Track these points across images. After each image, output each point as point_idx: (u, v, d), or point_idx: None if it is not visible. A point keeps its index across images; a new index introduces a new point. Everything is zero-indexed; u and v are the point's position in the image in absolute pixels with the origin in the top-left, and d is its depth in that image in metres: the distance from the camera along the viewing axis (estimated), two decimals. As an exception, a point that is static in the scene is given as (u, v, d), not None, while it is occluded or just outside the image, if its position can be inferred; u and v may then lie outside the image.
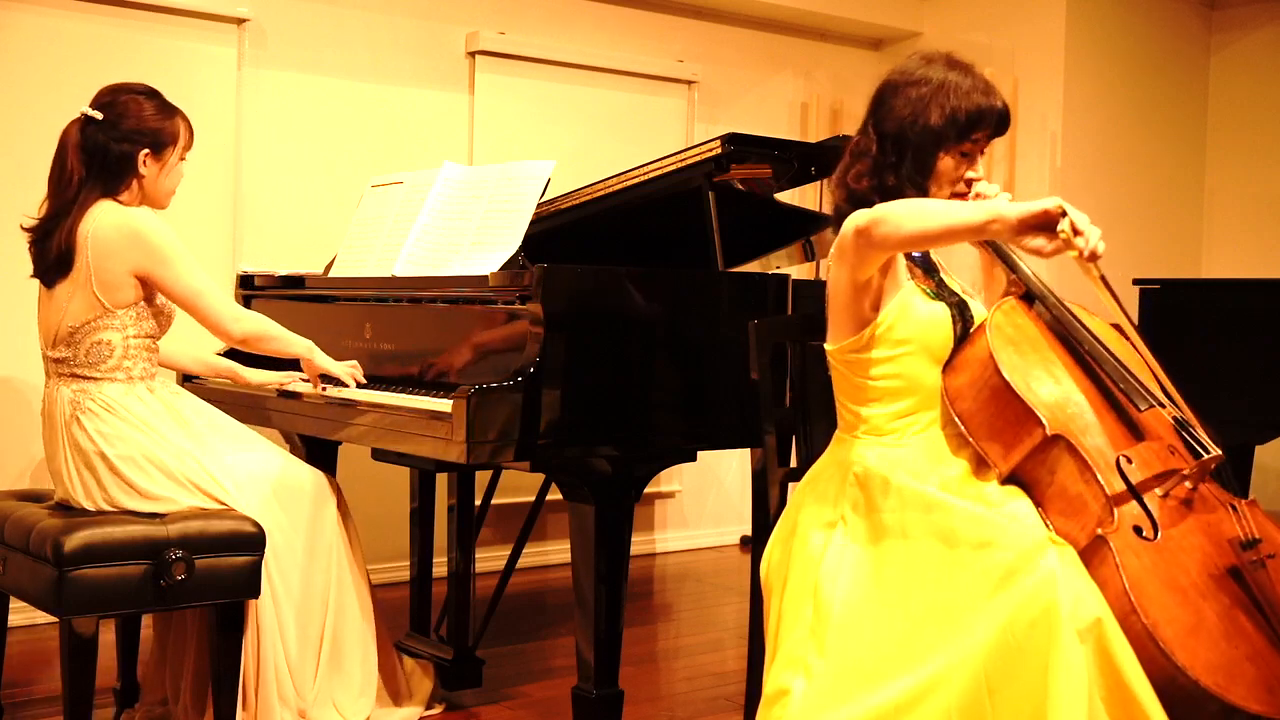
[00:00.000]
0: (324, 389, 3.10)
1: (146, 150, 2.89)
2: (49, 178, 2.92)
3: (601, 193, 3.39)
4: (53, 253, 2.84)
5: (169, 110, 2.95)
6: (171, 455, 2.84)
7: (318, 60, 4.63)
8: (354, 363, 3.15)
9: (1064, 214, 1.95)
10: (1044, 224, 1.97)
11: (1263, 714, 1.92)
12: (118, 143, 2.86)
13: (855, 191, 2.28)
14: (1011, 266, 2.38)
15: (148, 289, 2.87)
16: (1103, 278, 2.03)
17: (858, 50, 6.13)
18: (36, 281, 2.89)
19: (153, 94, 2.95)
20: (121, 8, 4.21)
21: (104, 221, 2.82)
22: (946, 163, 2.24)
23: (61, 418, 2.84)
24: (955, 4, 5.99)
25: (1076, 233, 1.94)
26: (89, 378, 2.85)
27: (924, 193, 2.25)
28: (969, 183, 2.26)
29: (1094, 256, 1.96)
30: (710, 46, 5.62)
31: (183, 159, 2.98)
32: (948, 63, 2.26)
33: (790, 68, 5.91)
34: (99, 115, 2.87)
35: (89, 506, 2.83)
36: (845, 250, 2.20)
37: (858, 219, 2.15)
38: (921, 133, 2.22)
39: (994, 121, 2.24)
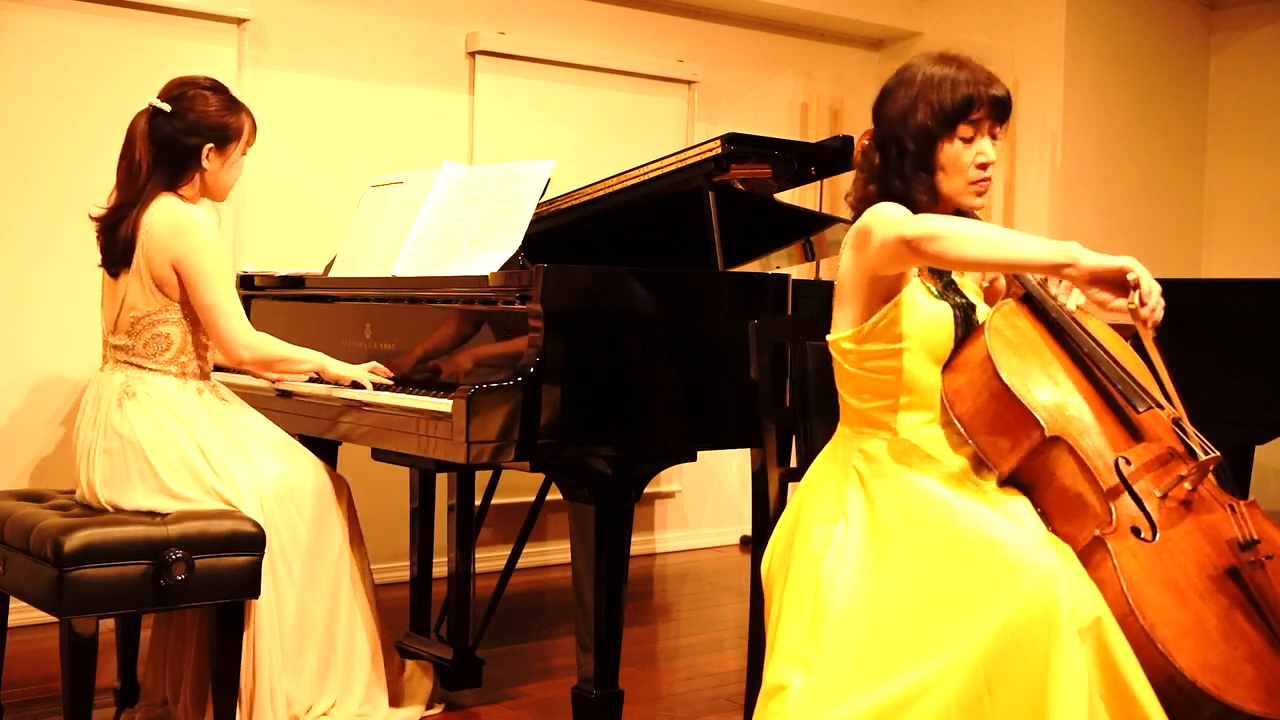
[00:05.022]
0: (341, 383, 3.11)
1: (211, 145, 2.97)
2: (118, 168, 2.99)
3: (601, 193, 3.39)
4: (119, 243, 2.91)
5: (235, 106, 3.01)
6: (200, 458, 2.87)
7: (318, 60, 4.63)
8: (373, 364, 3.14)
9: (1137, 284, 1.99)
10: (1116, 280, 2.01)
11: (1261, 714, 1.92)
12: (184, 135, 2.94)
13: (865, 198, 2.29)
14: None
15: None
16: (1156, 340, 2.06)
17: (858, 50, 6.13)
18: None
19: (219, 89, 3.02)
20: (121, 8, 4.21)
21: (161, 214, 2.90)
22: (949, 153, 2.23)
23: (109, 399, 2.89)
24: (955, 4, 5.99)
25: (1143, 303, 1.99)
26: (145, 367, 2.92)
27: (934, 189, 2.25)
28: (983, 166, 2.25)
29: (1155, 325, 2.01)
30: (710, 46, 5.62)
31: (244, 154, 3.05)
32: (937, 58, 2.26)
33: (790, 68, 5.91)
34: (167, 107, 2.94)
35: (101, 493, 2.85)
36: (866, 246, 2.17)
37: (905, 227, 2.09)
38: (915, 132, 2.22)
39: (986, 104, 2.22)
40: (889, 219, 2.14)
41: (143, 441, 2.84)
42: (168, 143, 2.94)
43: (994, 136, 2.27)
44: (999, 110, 2.25)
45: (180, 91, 2.97)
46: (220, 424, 2.94)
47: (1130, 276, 1.99)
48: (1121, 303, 2.00)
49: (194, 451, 2.86)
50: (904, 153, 2.24)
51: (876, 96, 2.31)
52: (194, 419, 2.89)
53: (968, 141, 2.24)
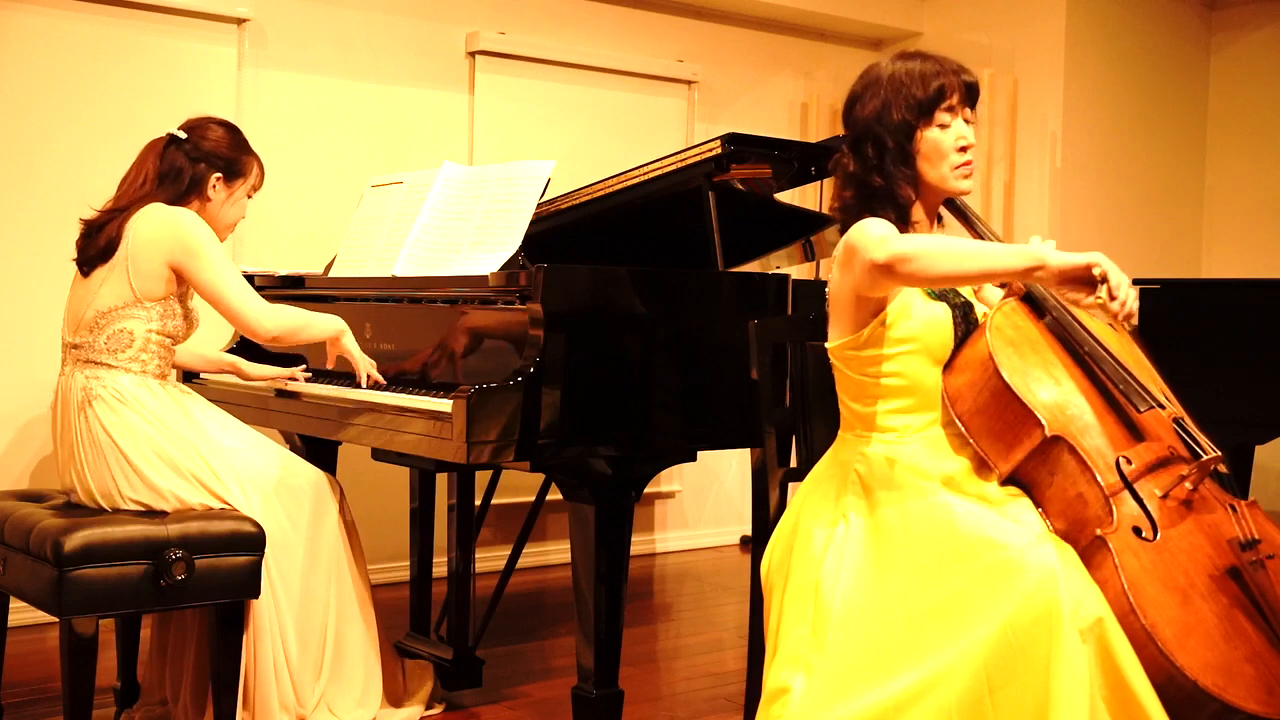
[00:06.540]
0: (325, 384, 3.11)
1: (219, 175, 3.04)
2: (122, 179, 3.06)
3: (601, 193, 3.39)
4: (100, 242, 2.93)
5: (246, 147, 3.11)
6: (179, 451, 2.86)
7: (318, 60, 4.63)
8: (373, 363, 3.14)
9: (1104, 278, 1.97)
10: (1084, 278, 2.00)
11: (1262, 714, 1.92)
12: (194, 162, 3.02)
13: (848, 207, 2.29)
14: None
15: (181, 285, 2.95)
16: (1133, 332, 2.05)
17: (858, 50, 6.13)
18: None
19: (234, 129, 3.12)
20: (121, 8, 4.21)
21: (150, 215, 2.94)
22: (929, 140, 2.25)
23: (74, 405, 2.88)
24: (955, 4, 5.99)
25: (1113, 297, 1.97)
26: (104, 364, 2.90)
27: (915, 180, 2.26)
28: (964, 149, 2.26)
29: (1129, 318, 2.00)
30: (710, 46, 5.62)
31: (249, 197, 3.13)
32: (896, 56, 2.30)
33: (790, 68, 5.91)
34: (183, 135, 3.03)
35: (97, 494, 2.86)
36: (852, 265, 2.17)
37: (876, 251, 2.08)
38: (893, 127, 2.23)
39: (958, 90, 2.26)
40: (867, 242, 2.12)
41: (119, 443, 2.83)
42: (177, 168, 3.01)
43: (967, 121, 2.28)
44: (970, 95, 2.29)
45: (198, 123, 3.08)
46: (188, 415, 2.94)
47: (1096, 271, 1.99)
48: (1092, 300, 2.00)
49: (169, 445, 2.86)
50: (883, 150, 2.25)
51: (845, 103, 2.32)
52: (160, 414, 2.89)
53: (945, 127, 2.26)
